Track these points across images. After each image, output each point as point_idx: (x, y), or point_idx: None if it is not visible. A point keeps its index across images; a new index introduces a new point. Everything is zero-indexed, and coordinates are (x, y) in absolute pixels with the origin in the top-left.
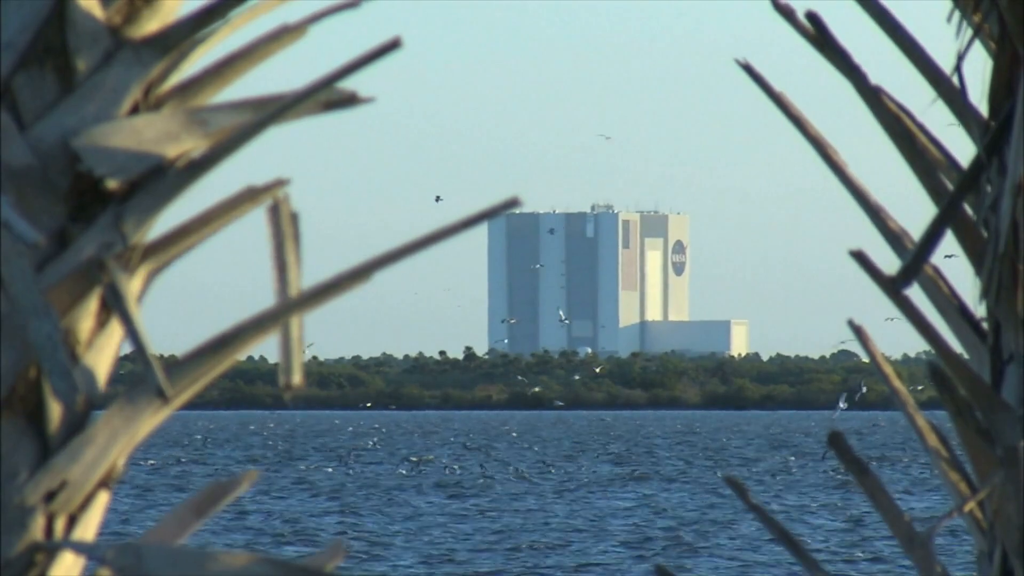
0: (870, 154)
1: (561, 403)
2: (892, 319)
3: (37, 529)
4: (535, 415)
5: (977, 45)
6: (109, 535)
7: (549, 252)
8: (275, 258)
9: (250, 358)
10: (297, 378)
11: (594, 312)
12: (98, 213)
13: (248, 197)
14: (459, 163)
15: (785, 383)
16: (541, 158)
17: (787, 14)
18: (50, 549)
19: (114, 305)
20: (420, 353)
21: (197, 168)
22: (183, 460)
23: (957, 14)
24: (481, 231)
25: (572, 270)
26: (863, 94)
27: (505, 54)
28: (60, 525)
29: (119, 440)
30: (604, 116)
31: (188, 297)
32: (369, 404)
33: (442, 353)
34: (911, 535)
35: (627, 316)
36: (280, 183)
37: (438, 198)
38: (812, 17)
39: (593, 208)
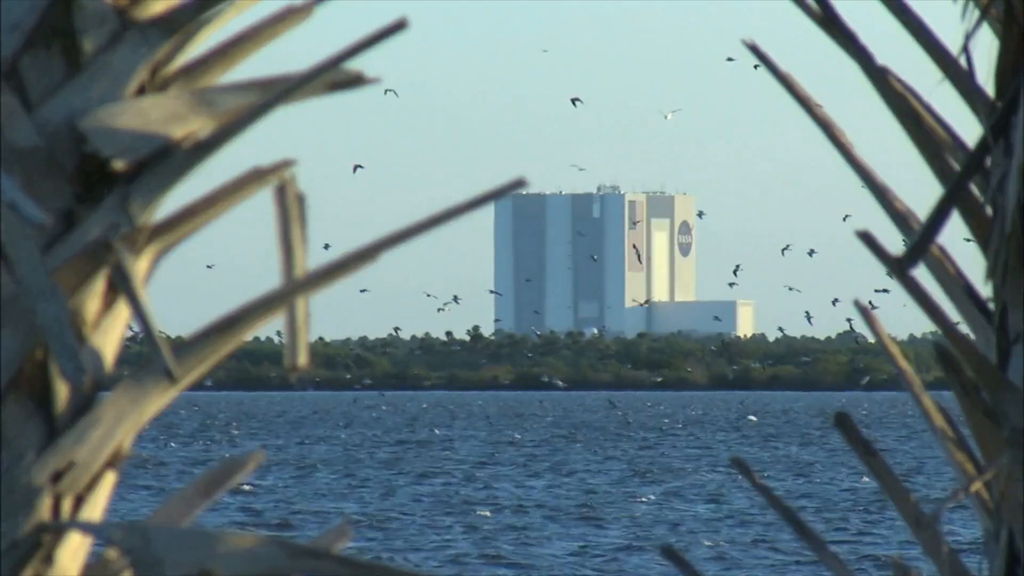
0: (877, 135)
1: (562, 383)
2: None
3: (44, 510)
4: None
5: (984, 25)
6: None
7: (555, 233)
8: (281, 239)
9: (256, 339)
10: (303, 359)
11: (600, 292)
12: (105, 194)
13: (255, 178)
14: (465, 144)
15: (791, 364)
16: (547, 139)
17: None
18: (57, 530)
19: (121, 286)
20: (427, 334)
21: (203, 149)
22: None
23: None
24: (487, 212)
25: (578, 251)
26: (869, 74)
27: (512, 35)
28: (67, 506)
29: (126, 421)
30: (610, 97)
31: (195, 278)
32: (370, 383)
33: (448, 334)
34: (918, 516)
35: (633, 296)
36: (286, 164)
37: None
38: None
39: (599, 189)
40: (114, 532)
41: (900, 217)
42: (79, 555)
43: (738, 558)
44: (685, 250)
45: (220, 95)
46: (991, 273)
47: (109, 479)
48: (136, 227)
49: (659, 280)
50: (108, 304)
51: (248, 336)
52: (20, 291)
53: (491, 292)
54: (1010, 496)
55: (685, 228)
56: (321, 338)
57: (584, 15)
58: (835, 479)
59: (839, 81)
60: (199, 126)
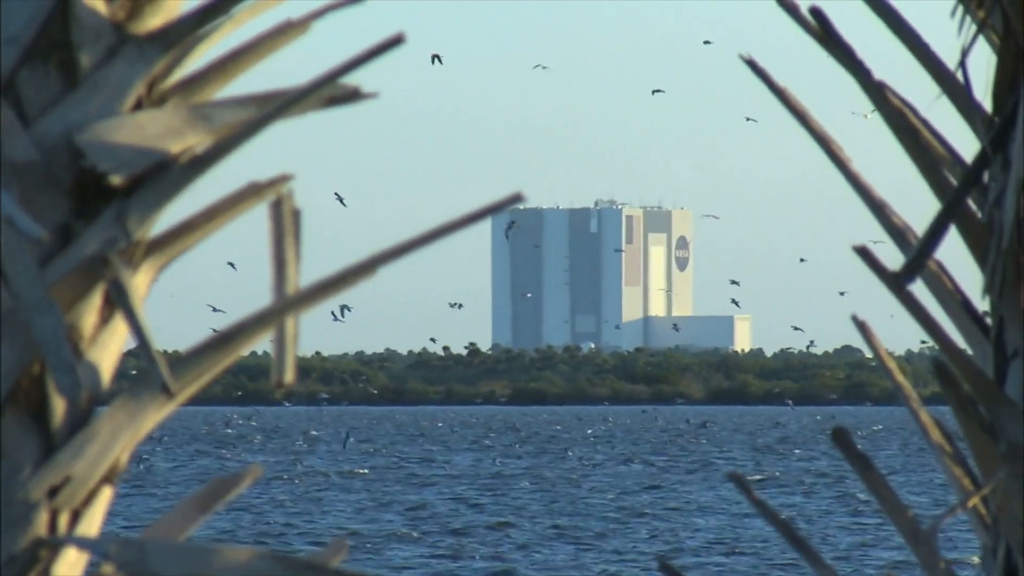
0: (874, 150)
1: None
2: (751, 119)
3: (41, 525)
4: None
5: (981, 40)
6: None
7: (552, 247)
8: (274, 254)
9: (253, 353)
10: (289, 376)
11: (598, 307)
12: (102, 209)
13: (252, 193)
14: (463, 158)
15: (788, 379)
16: (545, 153)
17: (791, 9)
18: (54, 545)
19: (118, 301)
20: (424, 349)
21: (201, 164)
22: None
23: (961, 9)
24: (484, 226)
25: (575, 265)
26: (867, 89)
27: (509, 49)
28: (64, 521)
29: (123, 436)
30: (608, 111)
31: (192, 292)
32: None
33: (445, 349)
34: (915, 531)
35: (630, 311)
36: (284, 179)
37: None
38: (816, 13)
39: (597, 203)
40: (110, 547)
41: (898, 232)
42: (76, 570)
43: None
44: (682, 264)
45: (217, 110)
46: (988, 288)
47: (106, 494)
48: (133, 242)
49: (656, 295)
50: (105, 319)
51: (245, 351)
52: (17, 305)
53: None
54: (1007, 511)
55: (682, 243)
56: (318, 352)
57: (582, 29)
58: None
59: (837, 95)
60: (196, 141)
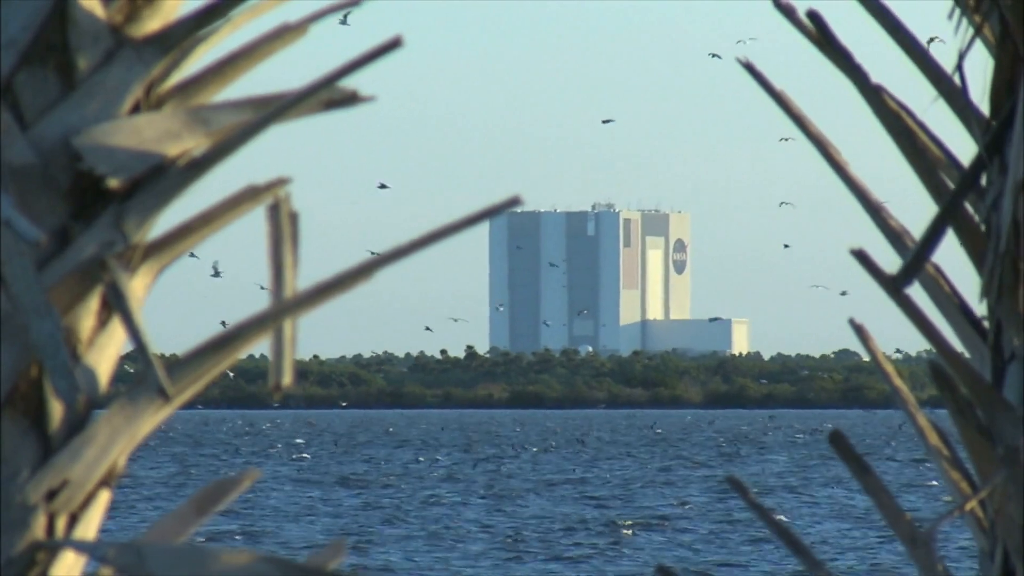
0: (871, 153)
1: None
2: (786, 139)
3: (38, 528)
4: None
5: (978, 43)
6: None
7: (550, 251)
8: (272, 257)
9: (251, 356)
10: (287, 379)
11: (595, 310)
12: (99, 212)
13: (249, 196)
14: (461, 162)
15: (786, 382)
16: (542, 157)
17: (788, 12)
18: (51, 548)
19: (115, 304)
20: (421, 352)
21: (198, 167)
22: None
23: (958, 12)
24: (482, 229)
25: (573, 268)
26: (864, 93)
27: (506, 52)
28: (61, 524)
29: (120, 439)
30: (605, 114)
31: (189, 296)
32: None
33: (443, 352)
34: (913, 534)
35: (628, 314)
36: (281, 182)
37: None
38: (813, 16)
39: (594, 207)
40: (108, 550)
41: (895, 235)
42: (73, 573)
43: None
44: (680, 268)
45: (215, 113)
46: (986, 291)
47: (103, 497)
48: (131, 245)
49: (653, 298)
50: (103, 322)
51: (243, 354)
52: (15, 308)
53: (499, 308)
54: (1005, 514)
55: (680, 246)
56: (316, 356)
57: (581, 32)
58: None
59: (834, 98)
60: (194, 144)
